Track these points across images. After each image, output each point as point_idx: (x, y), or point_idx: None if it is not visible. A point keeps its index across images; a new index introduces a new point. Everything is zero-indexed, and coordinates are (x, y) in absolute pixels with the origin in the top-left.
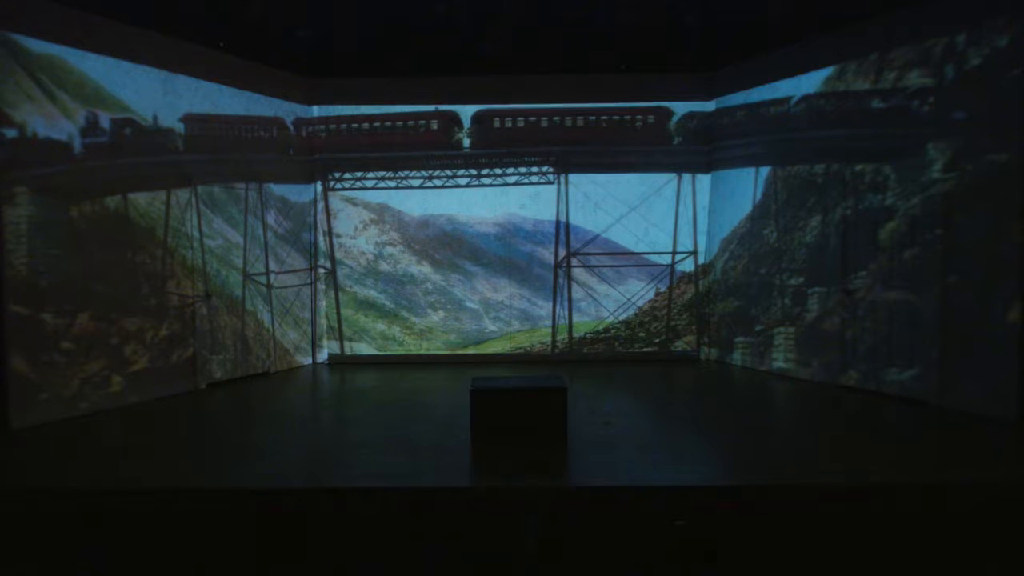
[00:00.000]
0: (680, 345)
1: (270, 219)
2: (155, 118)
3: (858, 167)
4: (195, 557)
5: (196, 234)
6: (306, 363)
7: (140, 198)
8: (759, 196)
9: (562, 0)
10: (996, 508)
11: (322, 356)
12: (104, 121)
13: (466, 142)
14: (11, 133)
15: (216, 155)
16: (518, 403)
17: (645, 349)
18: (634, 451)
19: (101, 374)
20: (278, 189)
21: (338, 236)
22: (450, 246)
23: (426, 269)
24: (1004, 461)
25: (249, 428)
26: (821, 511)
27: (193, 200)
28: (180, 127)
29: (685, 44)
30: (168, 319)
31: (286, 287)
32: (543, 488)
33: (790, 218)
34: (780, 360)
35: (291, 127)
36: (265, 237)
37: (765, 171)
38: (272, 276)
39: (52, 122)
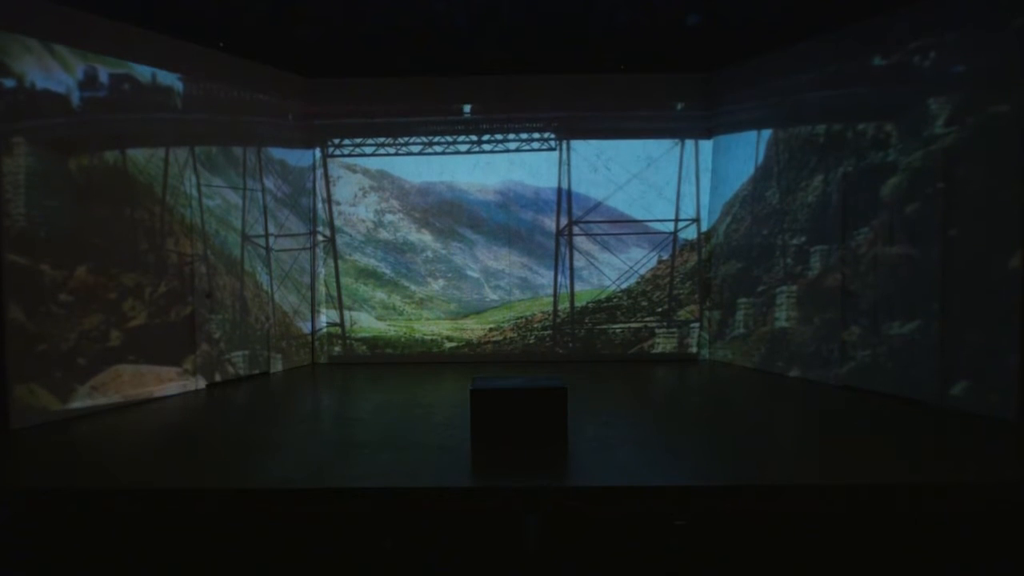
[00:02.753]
0: (683, 314)
1: (269, 183)
2: (154, 75)
3: (860, 126)
4: (196, 557)
5: (194, 193)
6: (305, 328)
7: (138, 154)
8: (761, 159)
9: (561, 0)
10: (996, 508)
11: (321, 322)
12: (103, 76)
13: (467, 107)
14: (9, 83)
15: (215, 115)
16: (518, 403)
17: (647, 319)
18: (634, 451)
19: (100, 328)
20: (277, 153)
21: (337, 203)
22: (450, 214)
23: (426, 237)
24: (1004, 461)
25: (249, 428)
26: (821, 511)
27: (191, 160)
28: (179, 86)
29: (685, 44)
30: (167, 276)
31: (285, 251)
32: (543, 488)
33: (792, 179)
34: (783, 319)
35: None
36: (264, 200)
37: (767, 134)
38: (271, 239)
39: (50, 74)
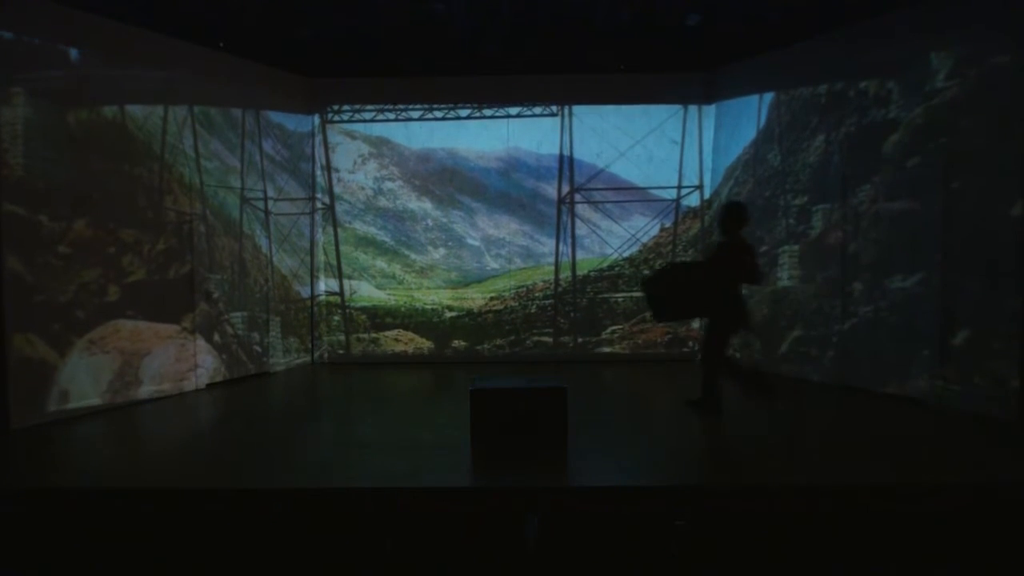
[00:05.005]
0: None
1: (267, 147)
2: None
3: (862, 83)
4: (196, 557)
5: (192, 154)
6: (304, 293)
7: (136, 111)
8: (763, 122)
9: (562, 0)
10: (996, 508)
11: (320, 289)
12: None
13: None
14: (7, 35)
15: (214, 76)
16: (518, 403)
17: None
18: (634, 451)
19: (98, 282)
20: (276, 117)
21: (336, 171)
22: (451, 181)
23: (426, 205)
24: (1004, 461)
25: (249, 428)
26: (820, 511)
27: (190, 119)
28: None
29: (685, 44)
30: (165, 234)
31: (284, 215)
32: (543, 488)
33: (794, 140)
34: (785, 278)
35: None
36: (262, 164)
37: (768, 97)
38: (270, 203)
39: None
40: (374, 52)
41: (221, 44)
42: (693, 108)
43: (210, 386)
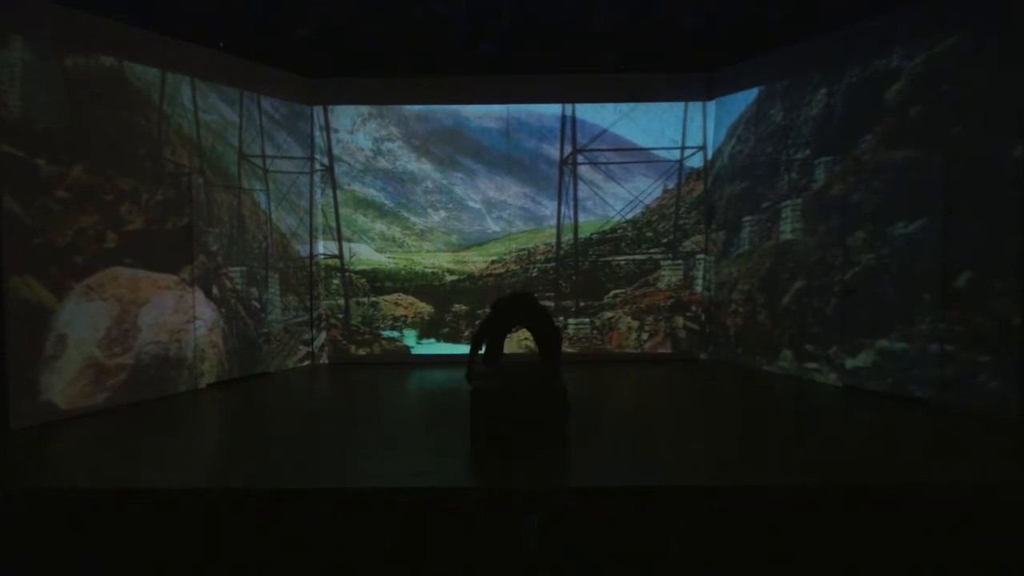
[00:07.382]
0: (688, 245)
1: (266, 104)
2: None
3: (863, 38)
4: (195, 557)
5: (191, 106)
6: (303, 251)
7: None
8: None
9: (562, 0)
10: (996, 508)
11: (318, 250)
12: None
13: None
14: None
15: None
16: (518, 403)
17: (652, 251)
18: (635, 451)
19: (96, 228)
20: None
21: (335, 131)
22: (451, 142)
23: (426, 167)
24: (1004, 461)
25: (249, 428)
26: (820, 511)
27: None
28: None
29: (684, 44)
30: (164, 185)
31: (283, 172)
32: (543, 488)
33: (796, 95)
34: (788, 232)
35: None
36: (261, 120)
37: None
38: (268, 161)
39: None
40: (374, 52)
41: (221, 44)
42: (694, 104)
43: (210, 386)
